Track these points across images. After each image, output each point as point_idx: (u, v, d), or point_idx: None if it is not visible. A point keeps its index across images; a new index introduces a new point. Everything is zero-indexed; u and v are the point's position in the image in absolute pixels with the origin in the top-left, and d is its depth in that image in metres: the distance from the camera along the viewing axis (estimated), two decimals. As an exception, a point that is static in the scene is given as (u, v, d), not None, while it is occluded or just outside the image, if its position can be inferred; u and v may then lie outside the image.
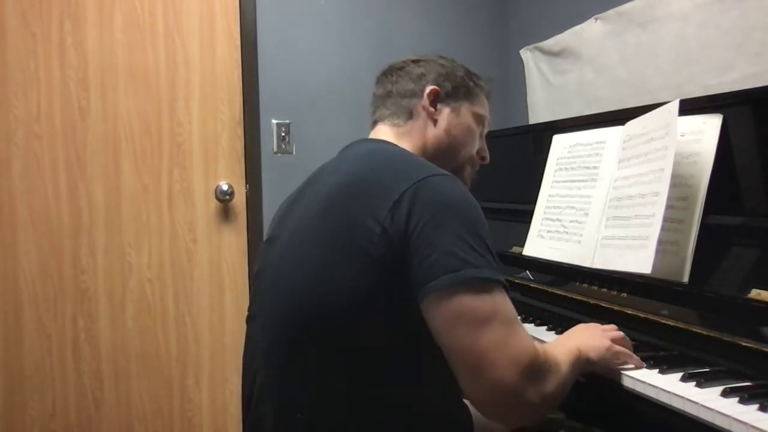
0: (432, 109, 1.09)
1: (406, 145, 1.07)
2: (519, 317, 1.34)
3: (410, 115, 1.09)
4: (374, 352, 0.87)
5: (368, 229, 0.84)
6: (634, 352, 1.02)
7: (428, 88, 1.09)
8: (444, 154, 1.10)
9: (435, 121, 1.10)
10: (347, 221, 0.87)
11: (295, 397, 0.90)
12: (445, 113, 1.10)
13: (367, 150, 1.03)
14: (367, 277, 0.84)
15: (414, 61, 1.13)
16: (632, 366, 0.98)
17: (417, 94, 1.10)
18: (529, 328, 1.28)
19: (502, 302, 0.82)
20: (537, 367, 0.81)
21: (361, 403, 0.88)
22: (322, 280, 0.87)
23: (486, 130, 1.19)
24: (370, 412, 0.88)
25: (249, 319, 1.05)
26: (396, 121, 1.10)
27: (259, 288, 1.03)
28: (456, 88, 1.12)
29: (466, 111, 1.13)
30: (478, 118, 1.15)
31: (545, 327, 1.27)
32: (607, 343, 0.98)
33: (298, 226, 0.97)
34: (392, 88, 1.12)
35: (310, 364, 0.89)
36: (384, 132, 1.10)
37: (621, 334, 1.02)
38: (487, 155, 1.19)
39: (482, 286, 0.81)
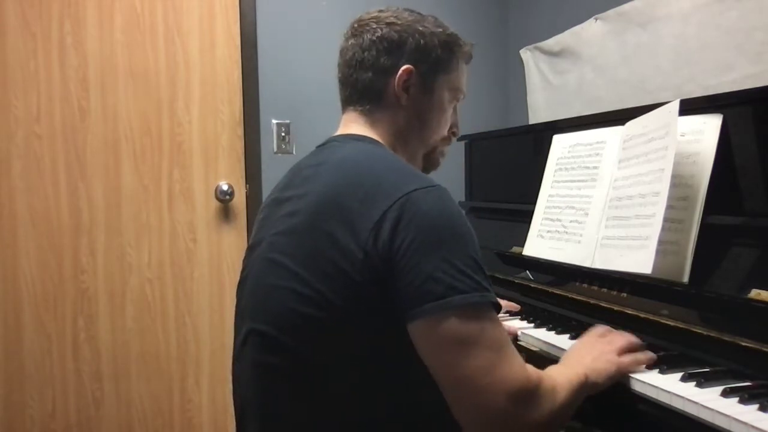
0: (404, 94, 0.98)
1: (378, 134, 0.99)
2: (519, 317, 1.35)
3: (380, 97, 0.99)
4: (356, 368, 0.85)
5: (350, 253, 0.81)
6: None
7: (401, 68, 0.97)
8: (416, 140, 1.03)
9: (405, 106, 0.99)
10: (329, 243, 0.83)
11: (279, 413, 0.88)
12: (417, 95, 0.99)
13: (345, 157, 0.93)
14: (350, 298, 0.81)
15: (390, 24, 0.98)
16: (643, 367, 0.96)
17: (390, 71, 0.97)
18: (529, 328, 1.28)
19: (490, 326, 0.79)
20: (528, 393, 0.78)
21: (342, 418, 0.86)
22: (304, 300, 0.83)
23: (462, 100, 1.08)
24: (352, 427, 0.86)
25: (235, 331, 1.01)
26: (366, 107, 1.00)
27: (241, 301, 1.00)
28: (432, 64, 1.00)
29: (440, 87, 1.02)
30: (453, 92, 1.05)
31: (545, 327, 1.26)
32: (615, 365, 0.94)
33: (278, 239, 0.91)
34: (364, 56, 0.98)
35: (293, 381, 0.86)
36: (355, 121, 1.01)
37: (628, 340, 1.00)
38: (459, 129, 1.10)
39: (469, 310, 0.78)
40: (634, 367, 0.95)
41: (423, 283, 0.77)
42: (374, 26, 0.99)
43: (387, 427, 0.87)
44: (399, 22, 0.99)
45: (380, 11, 1.01)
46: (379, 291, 0.80)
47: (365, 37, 0.99)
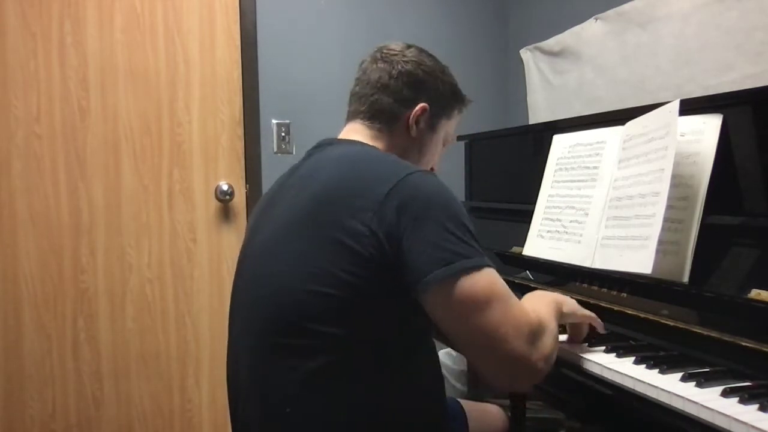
0: (415, 126, 1.09)
1: (378, 147, 1.07)
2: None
3: (393, 122, 1.09)
4: (362, 345, 0.90)
5: (355, 231, 0.87)
6: (635, 352, 1.03)
7: (420, 105, 1.09)
8: None
9: (412, 137, 1.10)
10: (333, 224, 0.89)
11: (283, 392, 0.91)
12: (424, 130, 1.11)
13: (344, 153, 1.02)
14: (356, 275, 0.87)
15: (418, 63, 1.10)
16: (598, 328, 1.09)
17: (408, 104, 1.09)
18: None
19: (495, 281, 0.88)
20: (536, 330, 0.89)
21: (349, 393, 0.90)
22: (311, 279, 0.88)
23: (449, 145, 1.23)
24: (358, 401, 0.90)
25: (230, 321, 1.07)
26: (376, 124, 1.09)
27: (240, 289, 1.05)
28: (442, 108, 1.13)
29: (441, 128, 1.15)
30: (447, 137, 1.19)
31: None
32: (575, 303, 1.08)
33: (277, 231, 0.97)
34: (390, 83, 1.09)
35: (297, 361, 0.90)
36: (358, 132, 1.09)
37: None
38: (437, 167, 1.21)
39: (476, 272, 0.86)
40: (593, 321, 1.08)
41: (432, 252, 0.85)
42: (404, 60, 1.10)
43: (391, 402, 0.92)
44: (426, 63, 1.11)
45: (407, 47, 1.12)
46: (386, 266, 0.87)
47: (395, 66, 1.09)
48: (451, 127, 1.19)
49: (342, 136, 1.11)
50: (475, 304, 0.85)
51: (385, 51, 1.12)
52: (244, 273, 1.04)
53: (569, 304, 1.05)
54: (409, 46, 1.12)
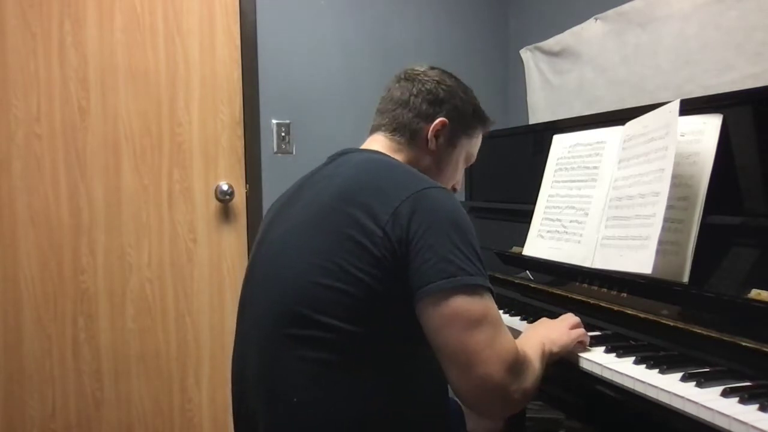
0: (434, 140, 1.13)
1: (399, 159, 1.10)
2: (519, 317, 1.35)
3: (413, 136, 1.12)
4: (369, 342, 0.91)
5: (370, 230, 0.90)
6: (635, 352, 1.03)
7: (439, 119, 1.12)
8: None
9: (431, 150, 1.13)
10: (350, 222, 0.91)
11: (291, 382, 0.92)
12: (443, 146, 1.14)
13: (365, 158, 1.06)
14: (368, 273, 0.89)
15: (438, 82, 1.15)
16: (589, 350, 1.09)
17: (428, 118, 1.12)
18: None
19: (491, 306, 0.90)
20: (519, 364, 0.89)
21: (353, 386, 0.92)
22: (326, 274, 0.91)
23: (470, 163, 1.26)
24: (363, 395, 0.92)
25: (239, 315, 1.09)
26: (397, 137, 1.13)
27: (251, 283, 1.07)
28: (463, 126, 1.16)
29: (461, 146, 1.18)
30: (468, 156, 1.22)
31: (545, 327, 1.26)
32: (566, 334, 1.07)
33: (294, 227, 1.00)
34: (410, 99, 1.13)
35: (306, 352, 0.92)
36: (380, 142, 1.13)
37: (577, 319, 1.11)
38: (459, 186, 1.26)
39: (475, 291, 0.88)
40: (583, 338, 1.09)
41: (437, 263, 0.87)
42: (426, 79, 1.15)
43: (395, 400, 0.94)
44: (447, 83, 1.16)
45: (430, 68, 1.18)
46: (396, 268, 0.89)
47: (417, 85, 1.14)
48: (473, 146, 1.22)
49: (364, 146, 1.14)
50: (466, 322, 0.86)
51: (408, 71, 1.17)
52: (257, 266, 1.06)
53: (560, 343, 1.05)
54: (432, 68, 1.18)
